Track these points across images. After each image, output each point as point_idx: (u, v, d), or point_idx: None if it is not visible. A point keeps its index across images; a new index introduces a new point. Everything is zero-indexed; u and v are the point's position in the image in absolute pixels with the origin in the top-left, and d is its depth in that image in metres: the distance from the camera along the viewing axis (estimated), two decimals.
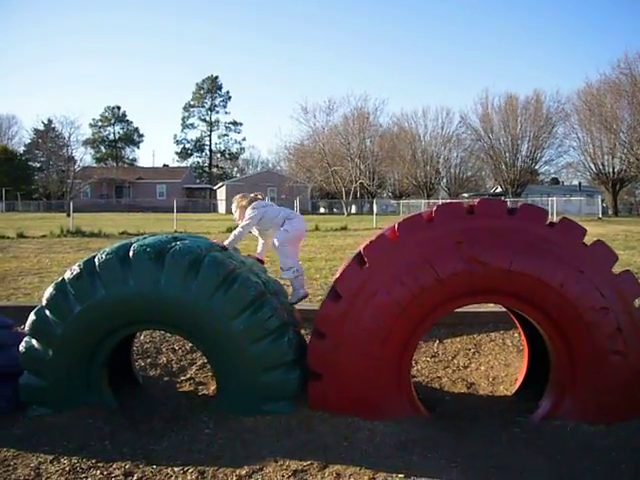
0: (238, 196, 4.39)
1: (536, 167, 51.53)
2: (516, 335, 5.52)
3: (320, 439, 3.37)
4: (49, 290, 3.64)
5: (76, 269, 3.58)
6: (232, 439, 3.37)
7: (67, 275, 3.60)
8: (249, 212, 4.12)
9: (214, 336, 3.52)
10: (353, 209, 51.92)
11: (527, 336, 4.42)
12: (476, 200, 3.77)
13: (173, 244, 3.59)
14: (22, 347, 3.69)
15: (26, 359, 3.68)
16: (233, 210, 4.31)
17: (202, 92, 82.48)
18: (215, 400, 3.78)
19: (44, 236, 17.75)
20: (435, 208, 3.69)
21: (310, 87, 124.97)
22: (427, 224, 3.65)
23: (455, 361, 5.10)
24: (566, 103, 47.68)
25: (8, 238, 16.66)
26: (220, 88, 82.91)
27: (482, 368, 4.92)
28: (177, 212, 23.86)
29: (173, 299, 3.46)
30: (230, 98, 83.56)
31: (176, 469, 3.04)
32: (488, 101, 51.99)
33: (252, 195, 4.34)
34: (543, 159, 51.30)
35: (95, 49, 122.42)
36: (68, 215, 35.77)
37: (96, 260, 3.54)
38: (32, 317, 3.66)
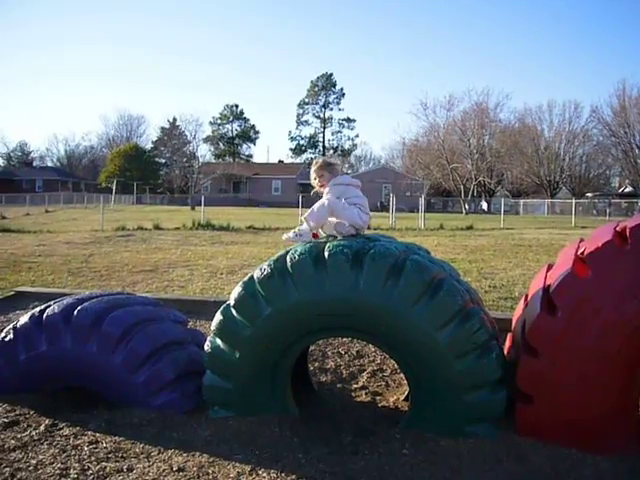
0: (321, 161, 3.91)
1: None
2: None
3: (538, 472, 2.94)
4: (237, 289, 3.46)
5: (266, 268, 3.37)
6: (436, 463, 3.01)
7: (256, 274, 3.40)
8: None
9: (415, 348, 3.18)
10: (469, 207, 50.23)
11: None
12: None
13: (372, 244, 3.30)
14: (207, 347, 3.56)
15: (211, 359, 3.54)
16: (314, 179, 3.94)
17: (316, 89, 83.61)
18: (407, 416, 3.45)
19: (177, 228, 18.55)
20: None
21: (427, 83, 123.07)
22: None
23: None
24: None
25: (147, 230, 17.55)
26: (334, 85, 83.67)
27: None
28: (293, 207, 24.23)
29: (372, 305, 3.16)
30: (344, 95, 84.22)
31: None
32: (625, 93, 48.34)
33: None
34: None
35: (218, 51, 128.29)
36: (192, 208, 37.66)
37: (288, 259, 3.32)
38: (219, 316, 3.52)
